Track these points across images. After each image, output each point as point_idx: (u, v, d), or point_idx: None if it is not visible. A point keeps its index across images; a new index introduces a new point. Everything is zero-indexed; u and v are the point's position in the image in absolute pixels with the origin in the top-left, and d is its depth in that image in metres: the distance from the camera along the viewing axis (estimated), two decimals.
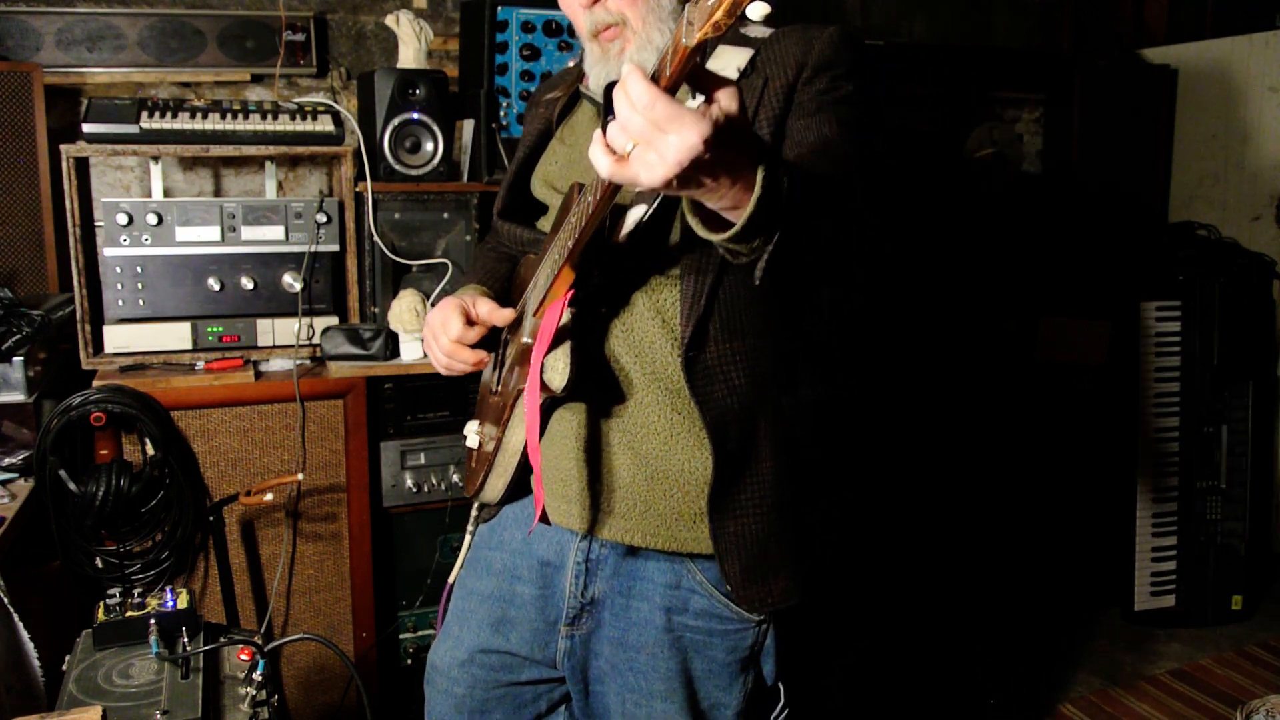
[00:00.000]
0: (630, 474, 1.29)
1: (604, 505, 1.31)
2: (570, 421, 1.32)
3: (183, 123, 2.28)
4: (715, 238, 0.96)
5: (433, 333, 1.38)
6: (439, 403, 2.41)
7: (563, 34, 2.58)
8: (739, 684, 1.34)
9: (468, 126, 2.60)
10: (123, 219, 2.22)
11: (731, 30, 1.26)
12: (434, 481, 2.39)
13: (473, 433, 1.44)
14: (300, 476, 2.16)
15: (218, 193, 2.83)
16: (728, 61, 1.26)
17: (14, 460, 2.01)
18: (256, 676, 1.44)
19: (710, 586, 1.30)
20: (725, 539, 1.26)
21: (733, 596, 1.29)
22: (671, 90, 0.84)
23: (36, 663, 1.69)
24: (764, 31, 1.28)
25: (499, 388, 1.41)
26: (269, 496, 2.13)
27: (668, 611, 1.31)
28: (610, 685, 1.36)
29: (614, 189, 1.03)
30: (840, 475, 1.39)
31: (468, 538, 1.52)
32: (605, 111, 0.91)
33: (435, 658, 1.49)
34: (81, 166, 2.24)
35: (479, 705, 1.44)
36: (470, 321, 1.36)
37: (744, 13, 0.89)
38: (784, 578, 1.29)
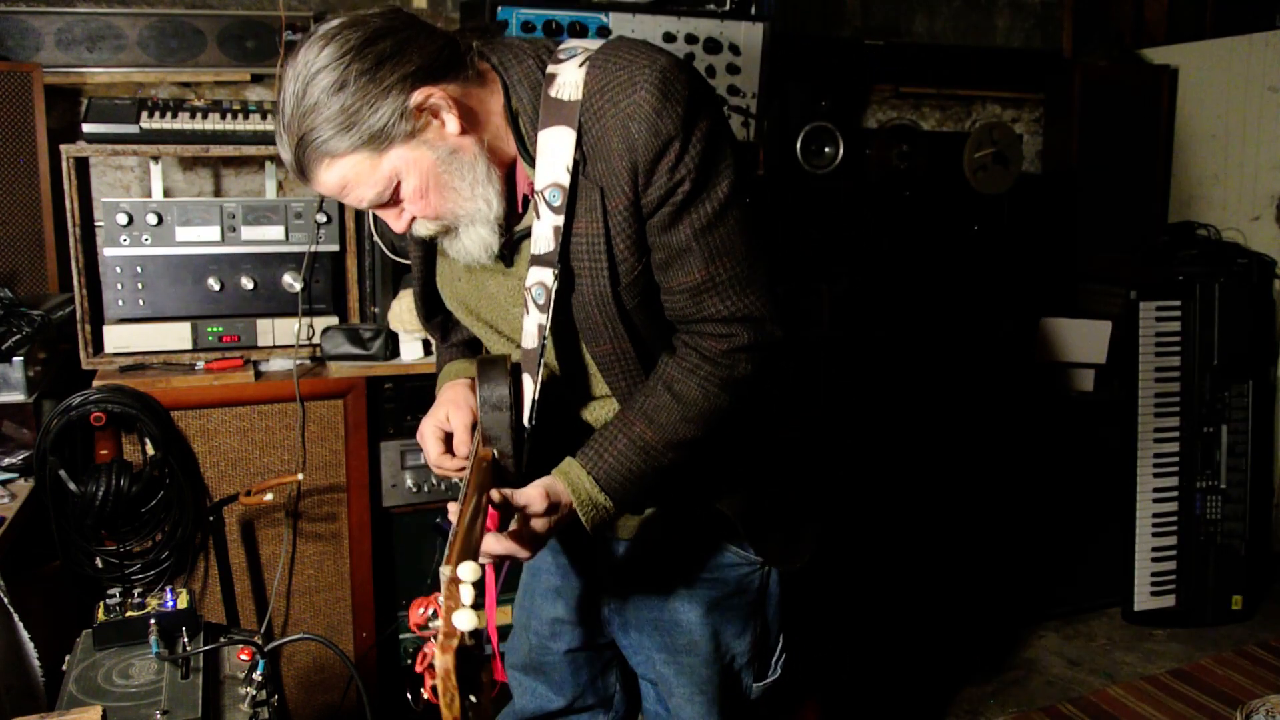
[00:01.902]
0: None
1: (648, 518, 1.44)
2: None
3: (183, 123, 2.28)
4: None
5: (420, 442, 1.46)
6: None
7: (563, 34, 2.57)
8: (749, 630, 1.47)
9: None
10: (123, 219, 2.22)
11: (546, 106, 1.16)
12: (434, 481, 2.39)
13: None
14: (300, 476, 2.16)
15: (218, 193, 2.83)
16: (556, 158, 1.15)
17: (14, 460, 2.01)
18: (256, 676, 1.45)
19: (719, 538, 1.43)
20: (755, 530, 1.39)
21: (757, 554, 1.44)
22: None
23: (36, 663, 1.69)
24: (575, 92, 1.15)
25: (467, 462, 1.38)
26: (269, 496, 2.13)
27: (684, 563, 1.43)
28: (644, 651, 1.49)
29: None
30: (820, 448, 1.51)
31: None
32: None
33: (513, 619, 1.67)
34: (81, 166, 2.24)
35: (538, 664, 1.60)
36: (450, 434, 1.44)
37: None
38: (806, 538, 1.46)
